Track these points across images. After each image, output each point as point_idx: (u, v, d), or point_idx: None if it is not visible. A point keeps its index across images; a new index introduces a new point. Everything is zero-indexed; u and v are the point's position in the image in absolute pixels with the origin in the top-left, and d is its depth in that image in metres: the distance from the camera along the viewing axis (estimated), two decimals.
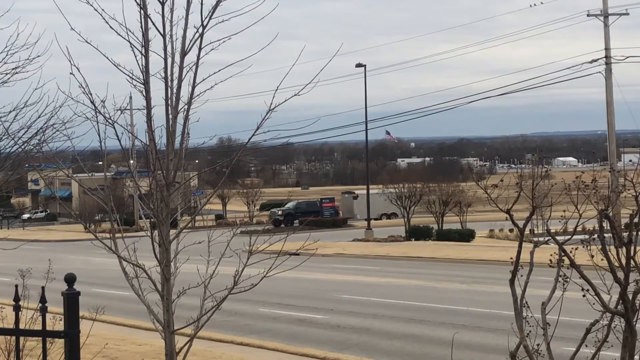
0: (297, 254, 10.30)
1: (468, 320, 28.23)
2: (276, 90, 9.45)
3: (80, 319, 8.19)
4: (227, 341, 25.55)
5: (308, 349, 24.08)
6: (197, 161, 73.46)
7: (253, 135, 9.57)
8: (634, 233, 8.81)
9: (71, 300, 8.09)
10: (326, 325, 28.67)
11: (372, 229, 75.02)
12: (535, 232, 61.71)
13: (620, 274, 8.88)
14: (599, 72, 54.61)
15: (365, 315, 30.44)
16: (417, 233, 72.51)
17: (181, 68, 9.33)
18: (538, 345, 9.03)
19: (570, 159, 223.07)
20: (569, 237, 9.32)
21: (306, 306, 33.17)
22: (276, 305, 33.32)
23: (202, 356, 22.12)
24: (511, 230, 68.78)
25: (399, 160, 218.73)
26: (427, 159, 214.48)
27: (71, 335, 8.06)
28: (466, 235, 70.87)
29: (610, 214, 9.36)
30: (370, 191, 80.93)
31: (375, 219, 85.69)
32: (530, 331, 9.18)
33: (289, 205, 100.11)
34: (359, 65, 75.90)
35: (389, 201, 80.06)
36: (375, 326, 28.12)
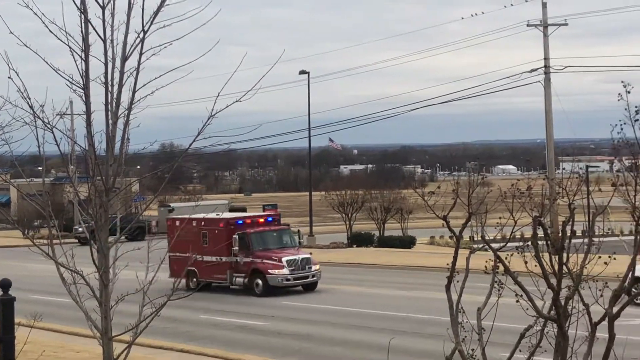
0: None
1: (408, 326, 28.43)
2: (217, 96, 9.47)
3: (17, 326, 8.13)
4: (167, 348, 25.42)
5: (248, 356, 24.08)
6: (139, 167, 72.82)
7: (194, 141, 9.59)
8: (566, 240, 9.00)
9: (6, 306, 8.04)
10: (267, 332, 28.67)
11: (314, 236, 75.13)
12: (475, 238, 62.30)
13: (554, 280, 9.06)
14: (539, 81, 55.36)
15: (307, 322, 30.49)
16: (359, 240, 72.72)
17: (122, 73, 9.32)
18: (473, 350, 9.18)
19: (510, 167, 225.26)
20: (504, 244, 9.50)
21: (247, 313, 33.13)
22: (217, 312, 33.23)
23: None
24: (451, 237, 69.26)
25: (342, 167, 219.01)
26: (370, 166, 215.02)
27: (6, 341, 8.01)
28: (407, 242, 71.22)
29: (548, 221, 9.55)
30: (176, 204, 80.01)
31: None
32: (465, 336, 9.33)
33: None
34: (302, 72, 76.04)
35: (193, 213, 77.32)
36: (316, 333, 28.18)
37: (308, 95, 76.07)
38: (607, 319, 8.91)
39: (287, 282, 38.02)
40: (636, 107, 9.57)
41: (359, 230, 76.92)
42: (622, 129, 9.60)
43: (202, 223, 39.73)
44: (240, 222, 39.82)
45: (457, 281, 9.61)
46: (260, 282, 37.92)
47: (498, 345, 9.98)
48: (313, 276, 38.90)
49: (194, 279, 40.12)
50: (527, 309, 8.94)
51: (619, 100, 9.63)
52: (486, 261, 9.57)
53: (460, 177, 10.53)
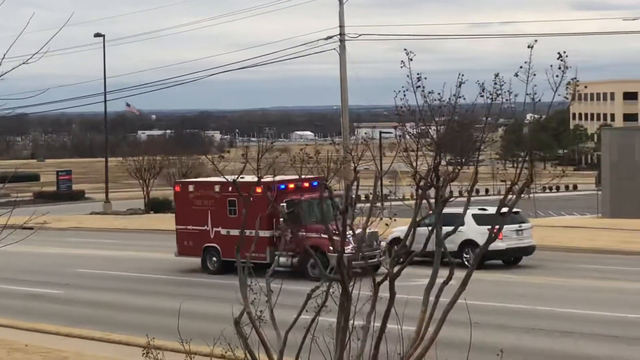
0: (31, 228, 10.11)
1: (205, 291, 28.55)
2: (2, 58, 9.22)
3: None
4: None
5: (42, 325, 23.54)
6: None
7: None
8: (351, 202, 9.32)
9: None
10: (61, 300, 28.13)
11: (110, 202, 73.99)
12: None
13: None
14: (334, 49, 56.33)
15: (104, 290, 30.08)
16: (156, 206, 72.29)
17: None
18: (261, 311, 9.37)
19: (308, 133, 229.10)
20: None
21: (40, 281, 32.31)
22: (7, 280, 32.21)
23: None
24: None
25: (139, 132, 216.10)
26: (169, 131, 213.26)
27: None
28: None
29: (343, 184, 9.84)
30: None
31: None
32: (255, 299, 9.52)
33: None
34: (97, 35, 74.34)
35: None
36: (114, 300, 27.86)
37: (104, 58, 74.55)
38: (388, 278, 9.31)
39: (354, 261, 29.31)
40: (418, 74, 9.94)
41: (157, 196, 76.48)
42: (404, 95, 9.95)
43: (230, 188, 29.78)
44: (283, 186, 30.58)
45: None
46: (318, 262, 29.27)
47: (287, 307, 10.21)
48: (381, 255, 30.38)
49: (214, 259, 32.49)
50: (314, 269, 9.22)
51: (401, 67, 9.96)
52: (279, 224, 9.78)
53: (249, 142, 10.69)
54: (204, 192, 33.36)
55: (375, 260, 29.45)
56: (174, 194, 36.71)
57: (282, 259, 29.64)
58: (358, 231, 27.50)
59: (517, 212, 31.32)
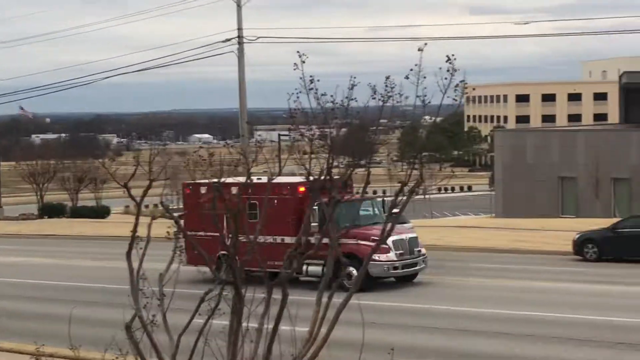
0: None
1: (99, 297, 28.11)
2: None
3: None
4: None
5: None
6: None
7: None
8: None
9: None
10: None
11: (2, 207, 72.41)
12: (172, 207, 62.57)
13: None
14: (233, 51, 56.18)
15: None
16: (50, 210, 71.02)
17: None
18: (154, 315, 9.27)
19: (206, 135, 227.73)
20: (186, 211, 9.69)
21: None
22: None
23: None
24: (147, 206, 69.26)
25: (33, 136, 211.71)
26: (63, 135, 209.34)
27: None
28: (101, 212, 70.72)
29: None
30: None
31: None
32: (147, 303, 9.41)
33: None
34: None
35: None
36: (5, 307, 27.21)
37: None
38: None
39: (394, 271, 27.77)
40: (311, 76, 9.99)
41: (51, 200, 75.19)
42: (298, 97, 9.99)
43: (250, 190, 25.09)
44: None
45: (140, 248, 9.68)
46: (354, 271, 25.68)
47: (180, 311, 10.11)
48: (423, 262, 28.49)
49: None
50: (204, 273, 9.18)
51: (294, 70, 10.00)
52: (168, 227, 9.70)
53: (139, 146, 10.59)
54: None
55: (417, 267, 28.25)
56: (183, 197, 32.84)
57: (312, 268, 26.60)
58: (396, 237, 24.38)
59: None
